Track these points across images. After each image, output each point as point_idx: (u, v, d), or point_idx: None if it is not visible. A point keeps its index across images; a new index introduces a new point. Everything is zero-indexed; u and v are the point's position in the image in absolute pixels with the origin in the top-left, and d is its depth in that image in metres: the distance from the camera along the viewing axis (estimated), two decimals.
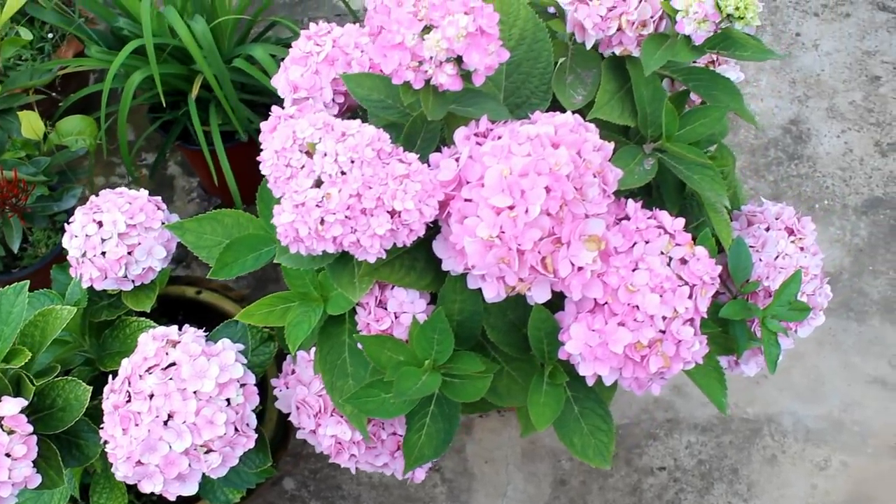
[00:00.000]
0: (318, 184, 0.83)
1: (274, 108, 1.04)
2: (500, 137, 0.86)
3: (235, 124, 1.44)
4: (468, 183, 0.85)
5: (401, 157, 0.85)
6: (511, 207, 0.80)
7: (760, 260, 1.02)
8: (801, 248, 1.04)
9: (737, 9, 0.90)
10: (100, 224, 1.09)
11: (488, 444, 1.49)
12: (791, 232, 1.05)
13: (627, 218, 0.91)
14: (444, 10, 0.85)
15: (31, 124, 1.30)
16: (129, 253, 1.09)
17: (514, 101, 0.98)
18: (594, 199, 0.85)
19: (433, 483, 1.47)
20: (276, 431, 1.35)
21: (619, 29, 0.93)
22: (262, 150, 0.90)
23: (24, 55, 1.54)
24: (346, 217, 0.81)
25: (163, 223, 1.12)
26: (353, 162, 0.82)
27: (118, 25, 1.48)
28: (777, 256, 1.02)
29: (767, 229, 1.05)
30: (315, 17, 2.00)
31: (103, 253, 1.08)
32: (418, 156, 0.94)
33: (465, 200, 0.84)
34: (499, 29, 0.99)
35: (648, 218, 0.91)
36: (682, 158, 0.95)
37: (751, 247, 1.03)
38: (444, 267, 0.88)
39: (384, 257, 0.84)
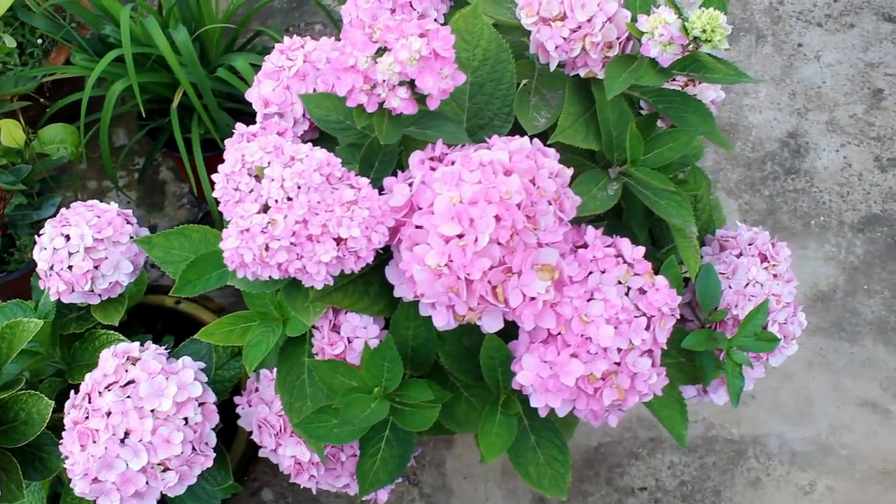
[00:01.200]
0: (266, 209, 0.82)
1: (238, 125, 1.03)
2: (453, 163, 0.85)
3: (213, 134, 1.43)
4: (420, 209, 0.84)
5: (351, 182, 0.84)
6: (460, 236, 0.79)
7: (730, 287, 1.00)
8: (775, 276, 1.02)
9: (703, 31, 0.87)
10: (67, 237, 1.09)
11: (468, 460, 1.48)
12: (764, 258, 1.03)
13: (586, 245, 0.89)
14: (398, 33, 0.84)
15: (10, 133, 1.30)
16: (96, 267, 1.09)
17: (477, 123, 0.96)
18: (549, 227, 0.83)
19: (411, 498, 1.46)
20: (249, 443, 1.34)
21: (584, 50, 0.91)
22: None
23: (12, 61, 1.54)
24: (291, 244, 0.80)
25: (131, 237, 1.12)
26: (299, 188, 0.80)
27: (104, 33, 1.48)
28: (747, 284, 0.99)
29: (739, 255, 1.03)
30: (312, 22, 1.99)
31: (70, 267, 1.08)
32: (374, 179, 0.93)
33: (416, 227, 0.83)
34: (462, 48, 0.98)
35: (607, 246, 0.89)
36: (648, 184, 0.93)
37: (721, 273, 1.01)
38: (396, 293, 0.87)
39: (332, 284, 0.83)
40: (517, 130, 0.95)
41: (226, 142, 1.03)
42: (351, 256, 0.81)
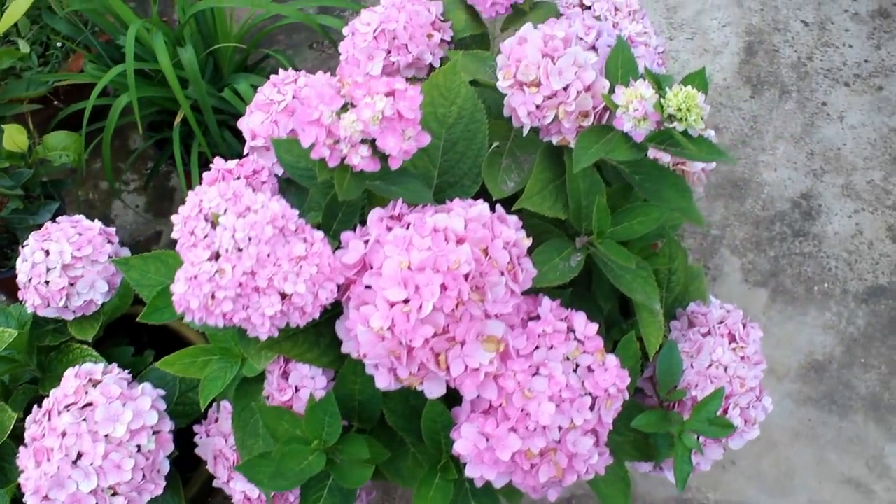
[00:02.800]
0: (217, 257, 0.82)
1: (216, 160, 1.04)
2: (409, 225, 0.84)
3: (209, 155, 1.45)
4: (371, 268, 0.84)
5: (305, 236, 0.84)
6: (405, 301, 0.78)
7: (692, 367, 0.98)
8: (742, 357, 0.99)
9: (678, 110, 0.86)
10: (47, 252, 1.10)
11: None
12: (733, 338, 1.00)
13: (539, 318, 0.88)
14: (365, 89, 0.84)
15: (13, 137, 1.32)
16: (72, 284, 1.10)
17: (448, 181, 0.96)
18: (498, 298, 0.82)
19: None
20: None
21: (557, 118, 0.90)
22: None
23: (28, 63, 1.57)
24: (237, 294, 0.80)
25: (110, 257, 1.13)
26: (250, 239, 0.81)
27: (119, 43, 1.51)
28: (710, 365, 0.97)
29: (707, 334, 1.01)
30: (337, 39, 1.99)
31: (47, 282, 1.10)
32: (335, 230, 0.93)
33: (366, 287, 0.83)
34: (440, 103, 0.97)
35: (562, 319, 0.87)
36: (612, 258, 0.92)
37: (685, 352, 0.99)
38: (344, 349, 0.87)
39: (276, 336, 0.83)
40: (489, 190, 0.95)
41: (204, 175, 1.04)
42: (296, 311, 0.81)
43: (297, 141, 0.96)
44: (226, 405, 1.09)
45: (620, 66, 0.93)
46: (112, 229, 1.17)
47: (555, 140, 0.93)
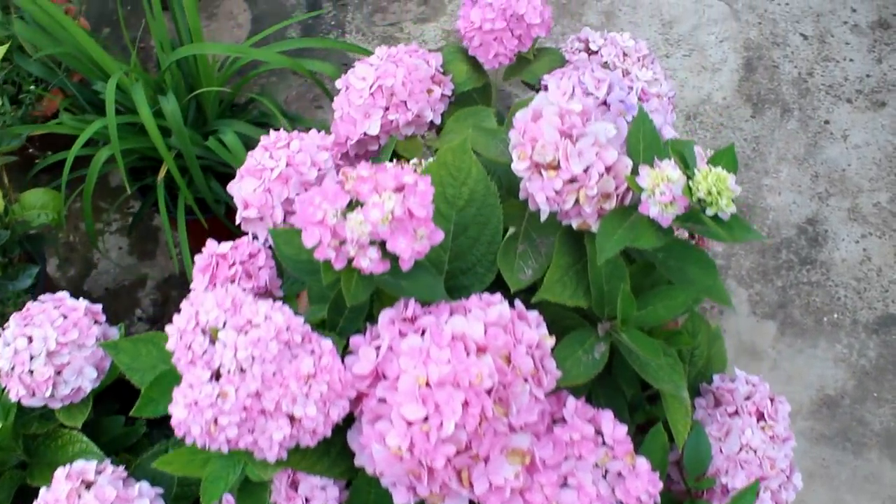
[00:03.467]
0: (218, 375, 0.76)
1: (209, 242, 0.98)
2: (423, 332, 0.78)
3: (194, 208, 1.38)
4: (385, 378, 0.78)
5: (313, 347, 0.78)
6: (425, 419, 0.73)
7: (721, 451, 0.93)
8: (772, 437, 0.95)
9: (709, 194, 0.80)
10: (30, 339, 1.04)
11: None
12: (761, 416, 0.96)
13: (564, 419, 0.82)
14: (372, 184, 0.77)
15: None
16: (58, 373, 1.04)
17: (459, 267, 0.90)
18: (523, 406, 0.77)
19: None
20: None
21: (578, 202, 0.84)
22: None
23: (2, 110, 1.49)
24: (242, 419, 0.74)
25: (98, 340, 1.06)
26: (254, 358, 0.74)
27: (95, 89, 1.43)
28: (740, 449, 0.93)
29: (734, 413, 0.96)
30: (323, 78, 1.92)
31: (31, 371, 1.03)
32: (342, 327, 0.87)
33: (380, 400, 0.77)
34: (449, 183, 0.91)
35: (588, 420, 0.82)
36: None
37: (712, 436, 0.94)
38: (357, 463, 0.81)
39: (285, 458, 0.77)
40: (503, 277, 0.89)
41: (196, 259, 0.98)
42: (307, 434, 0.76)
43: (298, 232, 0.90)
44: (228, 499, 1.03)
45: (642, 139, 0.87)
46: (98, 307, 1.10)
47: (574, 224, 0.87)
